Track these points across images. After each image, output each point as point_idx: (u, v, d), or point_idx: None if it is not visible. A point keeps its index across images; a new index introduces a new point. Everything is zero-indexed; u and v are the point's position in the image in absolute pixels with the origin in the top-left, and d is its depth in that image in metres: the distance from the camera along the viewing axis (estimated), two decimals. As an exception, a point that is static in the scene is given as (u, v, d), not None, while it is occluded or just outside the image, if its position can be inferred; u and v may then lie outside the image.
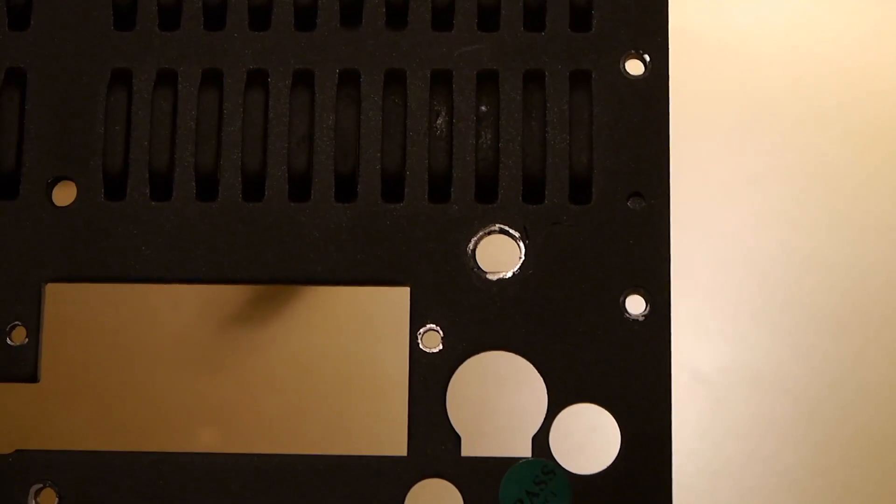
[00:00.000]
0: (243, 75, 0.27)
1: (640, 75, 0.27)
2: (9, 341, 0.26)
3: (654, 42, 0.27)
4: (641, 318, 0.26)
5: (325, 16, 0.27)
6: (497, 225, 0.26)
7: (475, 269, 0.26)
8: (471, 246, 0.26)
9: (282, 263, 0.26)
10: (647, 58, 0.27)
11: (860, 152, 0.59)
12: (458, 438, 0.26)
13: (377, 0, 0.27)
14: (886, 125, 0.60)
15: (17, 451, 0.26)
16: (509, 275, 0.26)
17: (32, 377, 0.26)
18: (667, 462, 0.25)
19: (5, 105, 0.27)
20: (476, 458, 0.26)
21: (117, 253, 0.26)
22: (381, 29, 0.27)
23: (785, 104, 0.61)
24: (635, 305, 0.26)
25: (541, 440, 0.26)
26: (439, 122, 0.27)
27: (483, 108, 0.26)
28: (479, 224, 0.26)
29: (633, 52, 0.27)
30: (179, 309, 0.53)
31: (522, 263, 0.26)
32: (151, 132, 0.27)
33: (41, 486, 0.26)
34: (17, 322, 0.26)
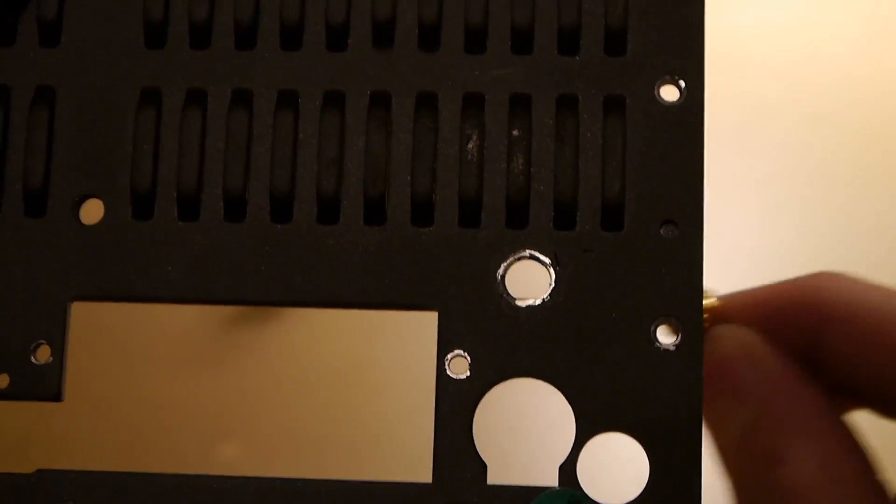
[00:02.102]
0: (273, 96, 0.27)
1: (674, 101, 0.26)
2: (33, 360, 0.26)
3: (691, 68, 0.26)
4: (672, 348, 0.25)
5: (356, 36, 0.27)
6: (527, 251, 0.26)
7: (504, 296, 0.26)
8: (500, 272, 0.26)
9: (309, 286, 0.26)
10: (682, 84, 0.26)
11: (863, 154, 0.59)
12: (483, 466, 0.25)
13: (409, 21, 0.27)
14: (888, 126, 0.60)
15: (38, 470, 0.26)
16: (539, 302, 0.26)
17: (56, 396, 0.26)
18: (696, 495, 0.25)
19: (34, 123, 0.27)
20: (502, 486, 0.25)
21: (143, 273, 0.26)
22: (413, 51, 0.27)
23: (788, 105, 0.60)
24: (666, 335, 0.26)
25: (568, 469, 0.25)
26: (470, 146, 0.26)
27: (515, 132, 0.26)
28: (508, 250, 0.26)
29: (668, 77, 0.26)
30: (201, 324, 0.53)
31: (552, 290, 0.26)
32: (180, 152, 0.26)
33: None
34: (41, 341, 0.26)
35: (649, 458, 0.25)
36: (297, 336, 0.51)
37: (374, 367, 0.49)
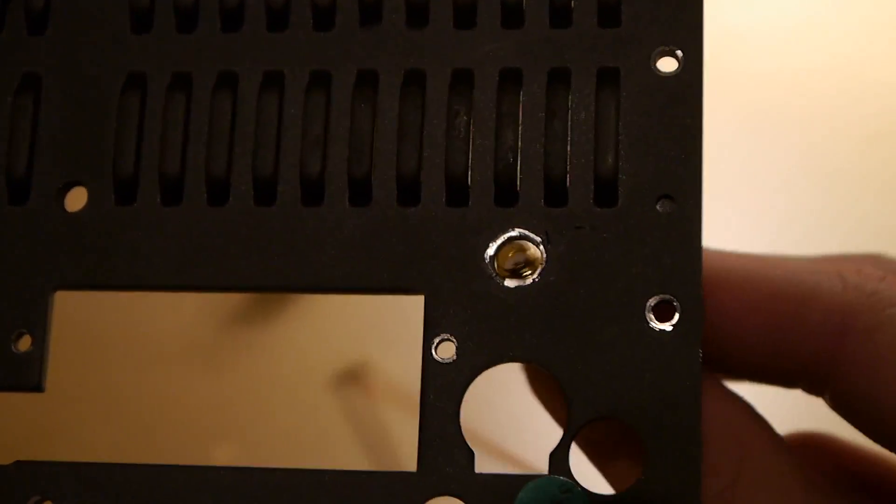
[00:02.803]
0: (259, 77, 0.26)
1: (672, 72, 0.25)
2: (14, 349, 0.25)
3: (689, 37, 0.25)
4: (669, 329, 0.24)
5: (344, 14, 0.26)
6: (517, 230, 0.25)
7: (493, 276, 0.25)
8: (489, 252, 0.25)
9: (293, 271, 0.25)
10: (679, 54, 0.25)
11: (867, 154, 0.57)
12: (471, 454, 0.24)
13: None
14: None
15: (16, 462, 0.25)
16: (529, 282, 0.25)
17: (37, 386, 0.25)
18: (696, 483, 0.23)
19: (18, 111, 0.26)
20: (490, 475, 0.24)
21: (127, 260, 0.26)
22: (401, 27, 0.26)
23: (789, 106, 0.59)
24: (663, 315, 0.24)
25: (559, 457, 0.24)
26: (458, 122, 0.25)
27: (504, 107, 0.25)
28: (498, 229, 0.25)
29: (664, 48, 0.25)
30: (184, 315, 0.52)
31: (543, 270, 0.25)
32: (163, 136, 0.26)
33: (39, 498, 0.25)
34: (23, 330, 0.25)
35: (645, 445, 0.24)
36: (278, 321, 0.50)
37: (358, 352, 0.48)
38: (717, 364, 0.26)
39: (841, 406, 0.26)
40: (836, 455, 0.29)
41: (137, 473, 0.25)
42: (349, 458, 0.44)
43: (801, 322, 0.25)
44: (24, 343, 0.25)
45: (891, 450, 0.25)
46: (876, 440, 0.26)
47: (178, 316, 0.52)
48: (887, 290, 0.25)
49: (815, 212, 0.56)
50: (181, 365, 0.51)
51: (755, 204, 0.56)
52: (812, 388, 0.26)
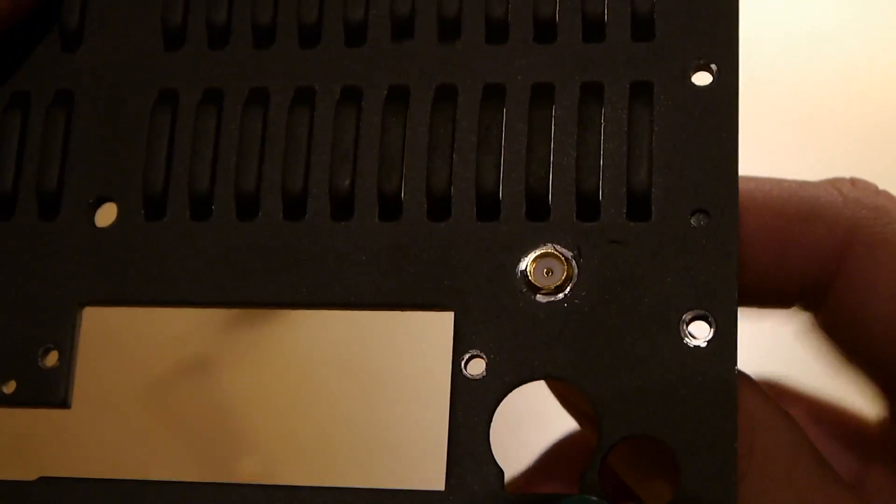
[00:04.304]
0: (290, 93, 0.26)
1: (706, 85, 0.25)
2: (41, 364, 0.25)
3: (724, 51, 0.25)
4: (704, 345, 0.24)
5: (375, 30, 0.26)
6: (549, 245, 0.24)
7: (524, 292, 0.24)
8: (520, 267, 0.24)
9: (322, 286, 0.25)
10: (714, 67, 0.25)
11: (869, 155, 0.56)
12: (500, 473, 0.24)
13: (429, 13, 0.26)
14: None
15: (40, 478, 0.25)
16: (561, 297, 0.24)
17: (63, 402, 0.25)
18: (731, 501, 0.23)
19: (50, 126, 0.26)
20: (520, 494, 0.23)
21: (156, 276, 0.25)
22: (433, 42, 0.26)
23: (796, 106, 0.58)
24: (698, 330, 0.24)
25: (590, 476, 0.23)
26: (489, 136, 0.25)
27: (536, 121, 0.25)
28: (529, 244, 0.25)
29: (699, 61, 0.25)
30: (212, 332, 0.52)
31: (575, 285, 0.24)
32: (193, 151, 0.26)
33: None
34: (50, 345, 0.25)
35: (681, 463, 0.23)
36: (307, 336, 0.49)
37: (386, 368, 0.48)
38: None
39: (833, 323, 0.26)
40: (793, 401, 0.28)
41: (160, 490, 0.24)
42: (374, 476, 0.43)
43: (806, 238, 0.25)
44: (52, 359, 0.25)
45: (873, 368, 0.25)
46: (862, 358, 0.26)
47: (205, 329, 0.52)
48: (887, 204, 0.25)
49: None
50: (210, 378, 0.51)
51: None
52: (808, 306, 0.26)
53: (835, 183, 0.26)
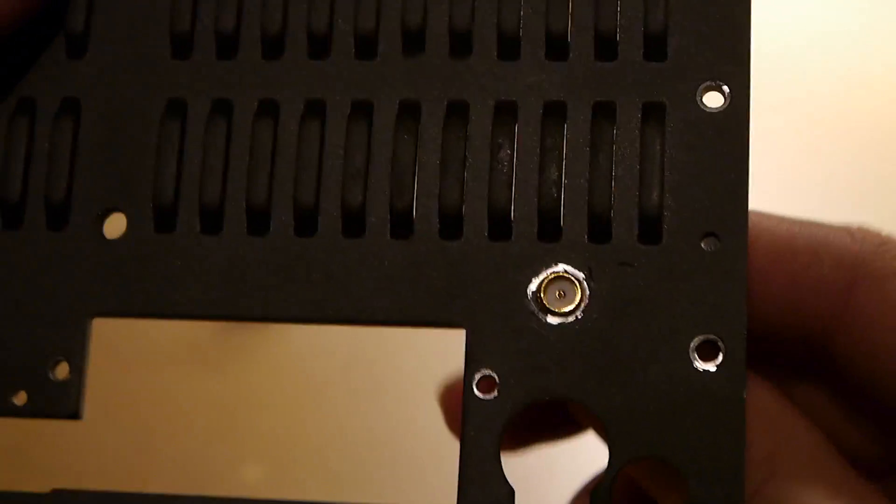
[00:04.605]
0: (300, 106, 0.26)
1: (718, 108, 0.25)
2: (51, 377, 0.25)
3: (736, 72, 0.25)
4: (713, 369, 0.24)
5: (386, 44, 0.26)
6: (560, 265, 0.25)
7: (535, 313, 0.25)
8: (532, 287, 0.25)
9: (333, 302, 0.25)
10: (726, 89, 0.25)
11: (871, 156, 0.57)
12: (511, 492, 0.24)
13: (440, 28, 0.26)
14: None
15: (53, 490, 0.25)
16: (572, 319, 0.24)
17: (75, 414, 0.25)
18: None
19: (58, 135, 0.26)
20: None
21: (165, 288, 0.25)
22: (444, 58, 0.26)
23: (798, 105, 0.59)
24: (707, 355, 0.24)
25: (601, 496, 0.24)
26: (502, 156, 0.25)
27: (548, 141, 0.25)
28: (540, 264, 0.25)
29: (711, 82, 0.25)
30: (223, 344, 0.52)
31: (586, 307, 0.25)
32: (203, 164, 0.26)
33: None
34: (60, 357, 0.25)
35: (689, 486, 0.24)
36: (317, 353, 0.50)
37: (397, 387, 0.48)
38: None
39: (843, 357, 0.26)
40: None
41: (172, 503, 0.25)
42: (386, 494, 0.44)
43: (814, 272, 0.26)
44: (62, 371, 0.25)
45: (887, 404, 0.26)
46: (872, 393, 0.26)
47: (216, 340, 0.52)
48: (893, 239, 0.26)
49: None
50: (221, 393, 0.51)
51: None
52: (816, 343, 0.26)
53: (844, 226, 0.26)
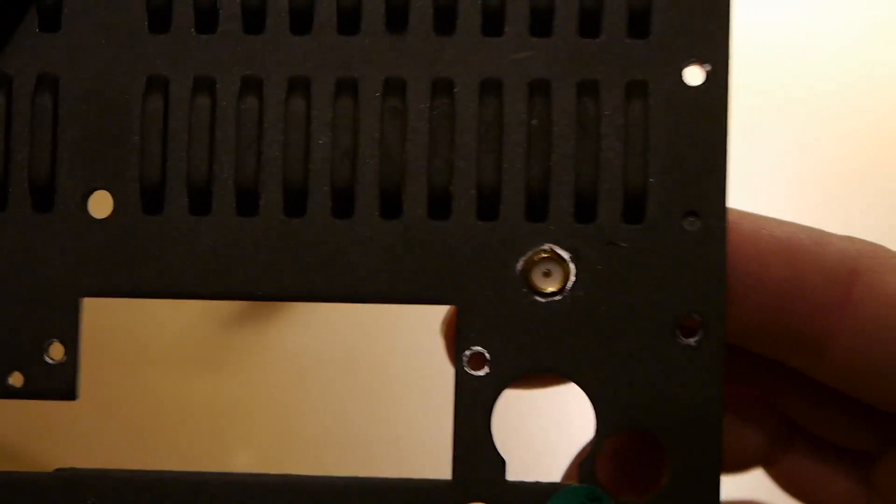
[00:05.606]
0: (284, 83, 0.26)
1: (699, 85, 0.25)
2: (46, 358, 0.26)
3: (717, 50, 0.25)
4: (694, 344, 0.25)
5: (369, 19, 0.26)
6: (547, 245, 0.25)
7: (523, 290, 0.25)
8: (519, 266, 0.25)
9: (324, 281, 0.26)
10: (707, 66, 0.25)
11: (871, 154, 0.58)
12: (503, 463, 0.25)
13: (424, 3, 0.26)
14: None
15: (57, 469, 0.26)
16: (559, 296, 0.25)
17: (71, 394, 0.26)
18: (715, 493, 0.25)
19: (37, 113, 0.26)
20: (521, 482, 0.25)
21: (155, 268, 0.26)
22: (428, 34, 0.26)
23: (799, 103, 0.59)
24: (688, 330, 0.25)
25: (587, 466, 0.25)
26: (489, 135, 0.25)
27: (534, 121, 0.25)
28: (527, 243, 0.25)
29: (693, 60, 0.25)
30: (217, 324, 0.52)
31: (573, 285, 0.25)
32: (189, 143, 0.26)
33: None
34: (54, 338, 0.26)
35: (669, 456, 0.25)
36: (312, 330, 0.50)
37: (391, 363, 0.49)
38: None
39: (841, 363, 0.26)
40: None
41: (177, 480, 0.25)
42: (381, 466, 0.45)
43: (814, 266, 0.26)
44: (57, 351, 0.26)
45: (886, 408, 0.26)
46: (872, 397, 0.26)
47: (209, 321, 0.52)
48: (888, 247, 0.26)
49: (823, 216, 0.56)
50: (214, 369, 0.51)
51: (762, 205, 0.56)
52: (809, 352, 0.26)
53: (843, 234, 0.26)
